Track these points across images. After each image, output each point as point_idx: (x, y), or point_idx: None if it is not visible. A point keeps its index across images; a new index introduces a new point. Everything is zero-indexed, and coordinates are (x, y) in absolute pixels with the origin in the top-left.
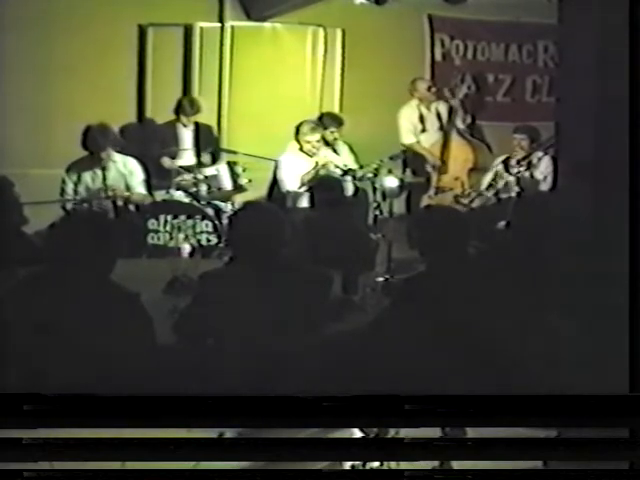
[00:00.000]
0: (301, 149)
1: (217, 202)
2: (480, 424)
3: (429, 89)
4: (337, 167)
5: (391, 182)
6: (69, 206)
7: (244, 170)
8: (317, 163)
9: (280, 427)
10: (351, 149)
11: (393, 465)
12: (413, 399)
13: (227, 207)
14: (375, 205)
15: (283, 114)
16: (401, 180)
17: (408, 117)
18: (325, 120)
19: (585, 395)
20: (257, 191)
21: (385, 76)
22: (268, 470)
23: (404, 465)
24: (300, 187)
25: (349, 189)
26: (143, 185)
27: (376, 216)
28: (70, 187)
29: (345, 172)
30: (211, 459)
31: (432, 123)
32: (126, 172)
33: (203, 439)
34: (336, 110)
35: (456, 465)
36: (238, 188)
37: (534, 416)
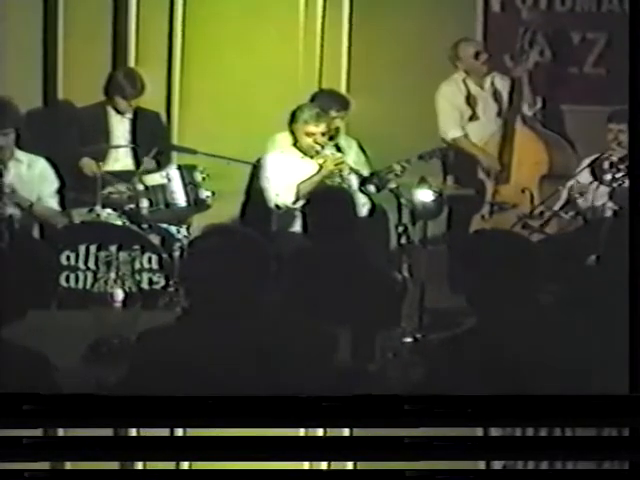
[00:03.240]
0: (296, 144)
1: (165, 225)
2: (480, 424)
3: (477, 56)
4: (356, 172)
5: (424, 195)
6: None
7: (205, 178)
8: (321, 166)
9: (280, 427)
10: (360, 146)
11: (393, 465)
12: (413, 399)
13: (180, 233)
14: (401, 229)
15: (264, 97)
16: (439, 192)
17: (451, 99)
18: (321, 101)
19: (585, 395)
20: (225, 209)
21: (414, 38)
22: (268, 470)
23: (404, 465)
24: (295, 201)
25: (363, 205)
26: (55, 196)
27: (402, 246)
28: None
29: (364, 180)
30: (210, 459)
31: (487, 107)
32: (33, 177)
33: (202, 439)
34: (342, 90)
35: (456, 465)
36: (197, 204)
37: (534, 416)
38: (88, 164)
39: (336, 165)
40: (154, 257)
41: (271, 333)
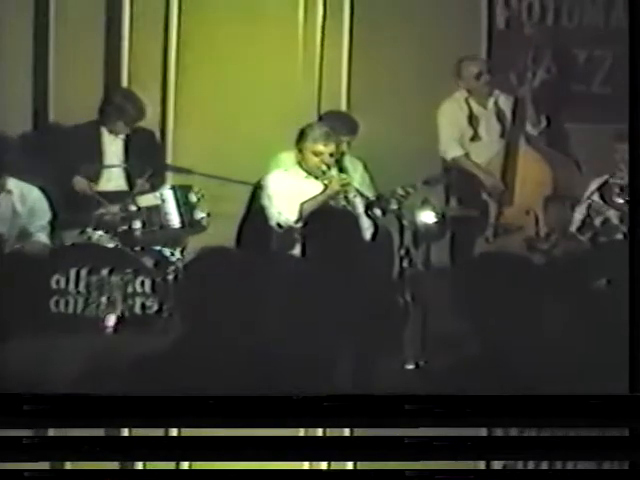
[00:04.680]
0: (301, 164)
1: (159, 248)
2: (480, 424)
3: (479, 76)
4: (361, 195)
5: (427, 217)
6: None
7: (200, 199)
8: (326, 186)
9: (280, 427)
10: (366, 168)
11: (393, 465)
12: (413, 399)
13: (174, 255)
14: (403, 252)
15: (262, 116)
16: (442, 215)
17: (452, 117)
18: (329, 123)
19: (585, 395)
20: (221, 230)
21: (416, 54)
22: (268, 470)
23: (404, 465)
24: (298, 220)
25: (367, 229)
26: (47, 230)
27: (404, 269)
28: None
29: (371, 203)
30: (210, 459)
31: (489, 127)
32: (24, 211)
33: (202, 439)
34: (342, 108)
35: (456, 465)
36: (192, 226)
37: (534, 416)
38: (80, 183)
39: (342, 186)
40: (147, 281)
41: (269, 359)
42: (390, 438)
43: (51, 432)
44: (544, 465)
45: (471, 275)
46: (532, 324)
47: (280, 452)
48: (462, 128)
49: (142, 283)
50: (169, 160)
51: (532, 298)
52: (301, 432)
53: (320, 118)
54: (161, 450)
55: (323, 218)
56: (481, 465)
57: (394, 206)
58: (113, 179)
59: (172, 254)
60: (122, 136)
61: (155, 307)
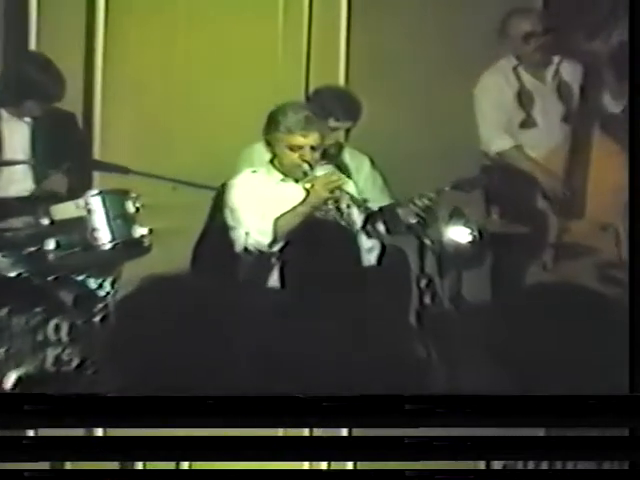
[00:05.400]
0: (274, 162)
1: (82, 277)
2: (480, 424)
3: (527, 38)
4: (359, 204)
5: (458, 235)
6: None
7: (140, 209)
8: (309, 192)
9: (280, 427)
10: (374, 166)
11: (393, 465)
12: (413, 399)
13: (103, 288)
14: (424, 283)
15: (226, 95)
16: (480, 231)
17: (496, 95)
18: (320, 102)
19: (585, 395)
20: (169, 253)
21: (442, 8)
22: (268, 470)
23: (404, 465)
24: (272, 243)
25: (369, 251)
26: None
27: (425, 307)
28: None
29: (371, 216)
30: (210, 459)
31: (547, 107)
32: None
33: (202, 439)
34: (340, 83)
35: (456, 465)
36: (128, 246)
37: (534, 416)
38: None
39: (331, 192)
40: (64, 324)
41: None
42: (390, 438)
43: (51, 432)
44: (544, 465)
45: (520, 316)
46: (607, 381)
47: (280, 452)
48: (509, 110)
49: (57, 328)
50: (96, 154)
51: (608, 348)
52: (301, 432)
53: (308, 98)
54: (161, 450)
55: (307, 237)
56: (481, 465)
57: (411, 219)
58: (16, 181)
59: (100, 286)
60: (29, 120)
61: (75, 361)
